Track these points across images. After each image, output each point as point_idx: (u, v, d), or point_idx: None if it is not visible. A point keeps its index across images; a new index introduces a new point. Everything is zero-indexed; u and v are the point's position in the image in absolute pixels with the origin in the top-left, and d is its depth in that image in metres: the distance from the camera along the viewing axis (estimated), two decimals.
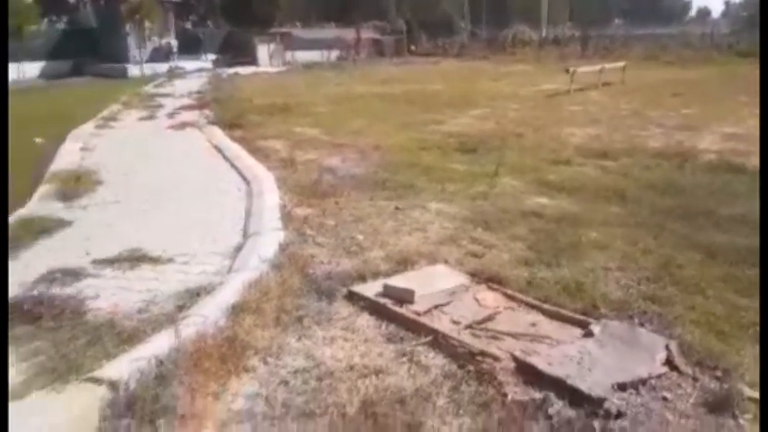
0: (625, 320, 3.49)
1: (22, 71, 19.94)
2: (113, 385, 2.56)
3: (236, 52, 29.78)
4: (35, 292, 3.55)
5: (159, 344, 2.90)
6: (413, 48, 39.51)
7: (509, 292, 3.86)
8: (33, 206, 5.71)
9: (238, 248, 4.44)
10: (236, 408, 2.70)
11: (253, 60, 28.94)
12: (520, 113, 12.67)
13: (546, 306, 3.63)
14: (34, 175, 7.12)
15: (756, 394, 2.75)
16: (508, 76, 22.47)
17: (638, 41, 35.06)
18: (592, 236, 5.03)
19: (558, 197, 6.32)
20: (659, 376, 2.93)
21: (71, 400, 2.51)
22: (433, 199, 6.15)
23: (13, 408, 2.44)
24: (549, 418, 2.63)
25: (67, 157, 7.96)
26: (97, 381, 2.59)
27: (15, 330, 3.21)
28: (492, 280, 4.05)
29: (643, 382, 2.87)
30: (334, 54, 32.96)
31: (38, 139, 9.47)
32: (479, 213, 5.64)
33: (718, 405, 2.72)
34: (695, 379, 2.94)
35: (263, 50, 29.63)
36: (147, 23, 24.53)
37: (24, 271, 4.04)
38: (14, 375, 2.80)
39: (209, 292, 3.59)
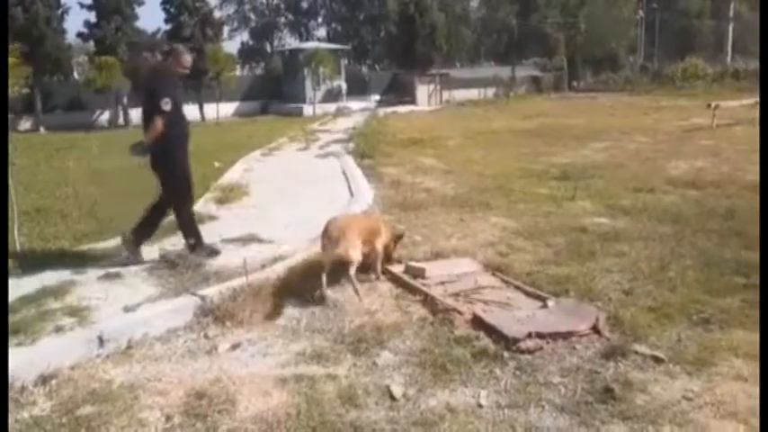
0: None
1: (219, 110, 24.27)
2: (203, 298, 4.27)
3: (399, 93, 32.56)
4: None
5: (237, 282, 4.51)
6: (574, 84, 39.55)
7: (505, 278, 4.89)
8: (198, 206, 7.85)
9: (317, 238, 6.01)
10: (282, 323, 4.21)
11: (412, 100, 31.38)
12: (642, 147, 12.90)
13: (525, 287, 4.62)
14: (207, 188, 9.49)
15: (643, 348, 3.58)
16: (661, 111, 21.98)
17: None
18: (619, 248, 5.76)
19: (618, 218, 6.96)
20: (582, 335, 3.84)
21: (178, 302, 4.25)
22: (498, 215, 7.20)
23: (146, 307, 4.22)
24: (474, 347, 3.72)
25: (231, 175, 10.36)
26: (195, 295, 4.30)
27: (161, 271, 5.09)
28: (500, 270, 5.10)
29: (564, 336, 3.81)
30: (491, 91, 34.36)
31: (217, 163, 12.11)
32: (530, 227, 6.59)
33: (610, 354, 3.58)
34: (608, 339, 3.79)
35: (422, 91, 32.00)
36: (321, 69, 28.19)
37: (179, 241, 6.00)
38: (157, 295, 4.62)
39: (284, 259, 5.19)
